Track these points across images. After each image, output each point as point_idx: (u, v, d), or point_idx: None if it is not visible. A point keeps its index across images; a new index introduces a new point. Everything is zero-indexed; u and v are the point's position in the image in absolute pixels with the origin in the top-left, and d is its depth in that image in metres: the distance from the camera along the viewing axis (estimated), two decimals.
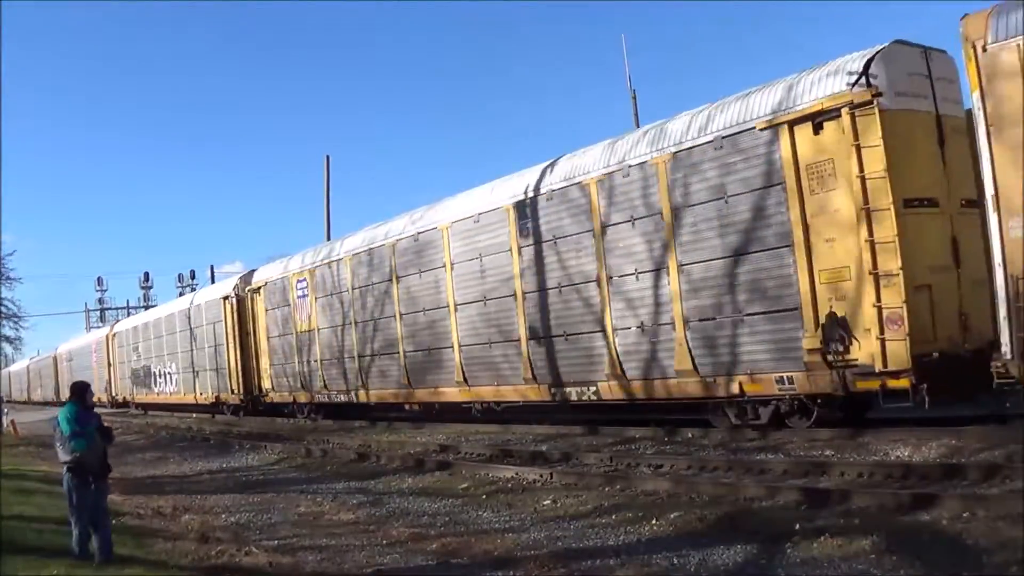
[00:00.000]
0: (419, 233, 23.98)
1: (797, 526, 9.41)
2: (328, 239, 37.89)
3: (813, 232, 14.83)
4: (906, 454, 13.13)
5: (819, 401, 15.38)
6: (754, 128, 15.52)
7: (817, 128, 14.71)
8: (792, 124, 14.95)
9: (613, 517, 11.12)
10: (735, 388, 16.21)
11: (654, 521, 10.61)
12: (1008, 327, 12.69)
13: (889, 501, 10.08)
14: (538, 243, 20.06)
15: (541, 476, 14.30)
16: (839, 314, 14.50)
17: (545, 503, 12.40)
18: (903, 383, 13.89)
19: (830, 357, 14.64)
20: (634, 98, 37.18)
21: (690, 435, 16.67)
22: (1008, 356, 12.68)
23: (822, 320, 14.67)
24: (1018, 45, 12.53)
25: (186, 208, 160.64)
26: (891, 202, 13.90)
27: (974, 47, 12.94)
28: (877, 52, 14.46)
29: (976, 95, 12.98)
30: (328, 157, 45.38)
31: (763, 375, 15.75)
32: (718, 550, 9.08)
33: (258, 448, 23.31)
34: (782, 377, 15.44)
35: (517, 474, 14.74)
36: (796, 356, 15.18)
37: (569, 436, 19.15)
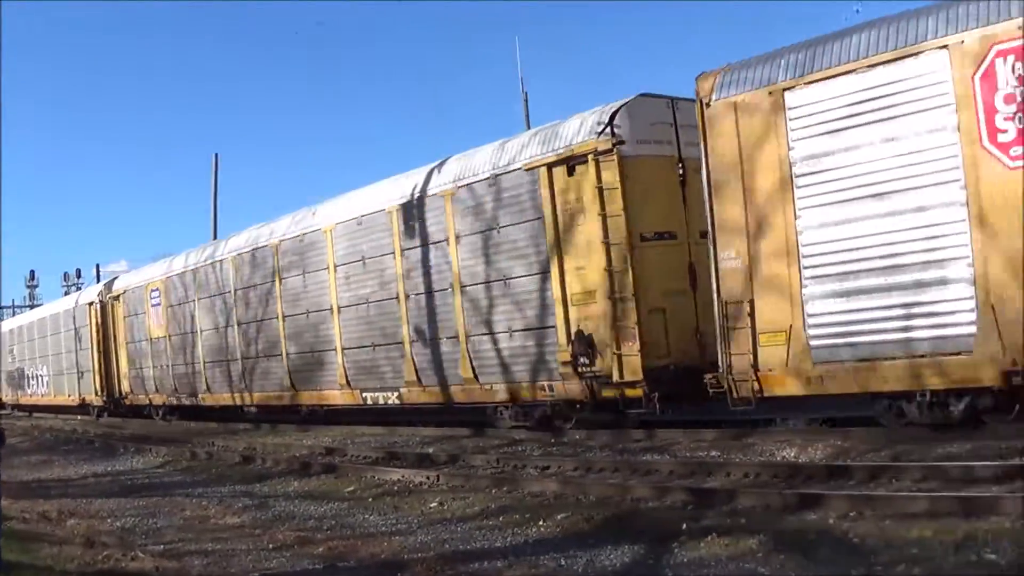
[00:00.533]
0: (256, 249, 24.66)
1: (684, 526, 9.03)
2: (215, 238, 37.85)
3: (567, 260, 15.98)
4: (792, 455, 12.82)
5: (578, 406, 16.51)
6: (521, 168, 16.65)
7: (570, 171, 15.83)
8: (551, 166, 16.06)
9: (500, 519, 10.65)
10: (508, 395, 17.32)
11: (541, 522, 10.17)
12: (720, 345, 14.06)
13: (776, 501, 9.72)
14: (348, 263, 21.01)
15: (428, 478, 13.74)
16: (586, 332, 15.68)
17: (432, 505, 11.92)
18: (638, 392, 15.11)
19: (580, 369, 15.79)
20: (526, 101, 36.65)
21: (577, 437, 16.36)
22: (721, 370, 14.05)
23: (572, 336, 15.86)
24: (734, 103, 13.86)
25: (74, 205, 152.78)
26: (626, 236, 15.11)
27: (702, 103, 14.28)
28: (623, 105, 15.64)
29: (702, 144, 14.30)
30: (216, 156, 44.98)
31: (530, 383, 16.89)
32: (606, 550, 8.69)
33: (143, 451, 22.29)
34: (544, 385, 16.58)
35: (404, 476, 14.12)
36: (554, 367, 16.34)
37: (456, 438, 18.54)
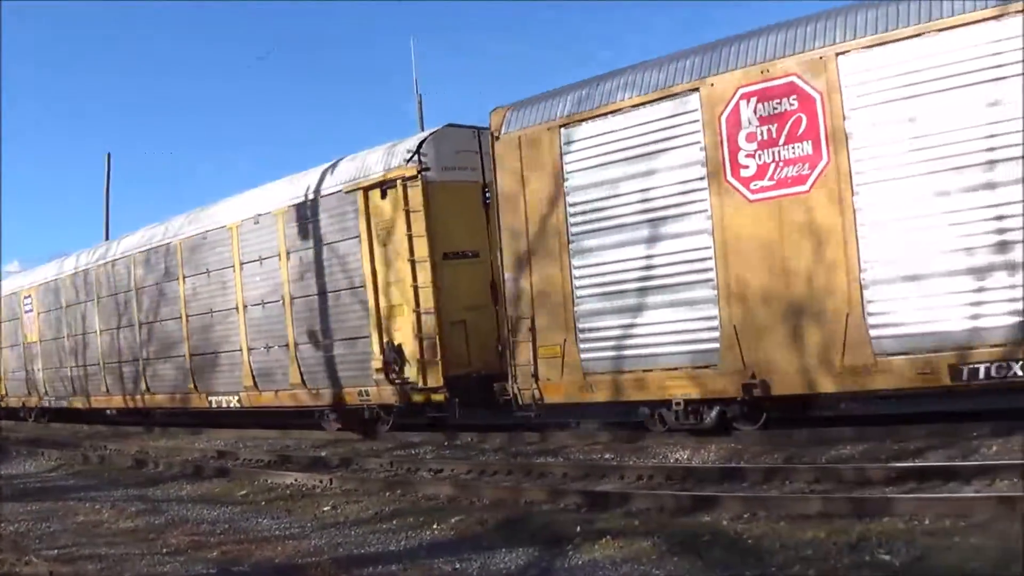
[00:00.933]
0: (115, 260, 24.21)
1: (578, 528, 8.58)
2: (107, 239, 36.68)
3: (380, 276, 16.04)
4: (686, 457, 12.22)
5: (394, 409, 16.57)
6: (341, 191, 16.64)
7: (383, 194, 15.88)
8: (367, 190, 16.11)
9: (394, 522, 10.04)
10: (332, 399, 17.28)
11: (435, 526, 9.61)
12: (507, 356, 14.25)
13: (669, 503, 9.26)
14: (195, 275, 20.82)
15: (321, 482, 12.89)
16: (396, 342, 15.78)
17: (326, 509, 11.22)
18: (441, 397, 15.30)
19: (392, 376, 15.87)
20: (420, 102, 33.85)
21: (470, 439, 15.63)
22: (508, 379, 14.25)
23: (385, 346, 15.91)
24: (519, 137, 14.07)
25: None
26: (429, 255, 15.25)
27: (492, 135, 14.46)
28: (430, 134, 15.86)
29: (493, 173, 14.49)
30: (109, 155, 43.22)
31: (350, 388, 16.89)
32: (500, 553, 8.21)
33: (35, 455, 20.75)
34: (362, 390, 16.60)
35: (297, 480, 13.23)
36: (371, 374, 16.37)
37: (348, 441, 17.32)
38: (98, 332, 25.04)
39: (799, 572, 6.66)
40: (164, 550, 9.84)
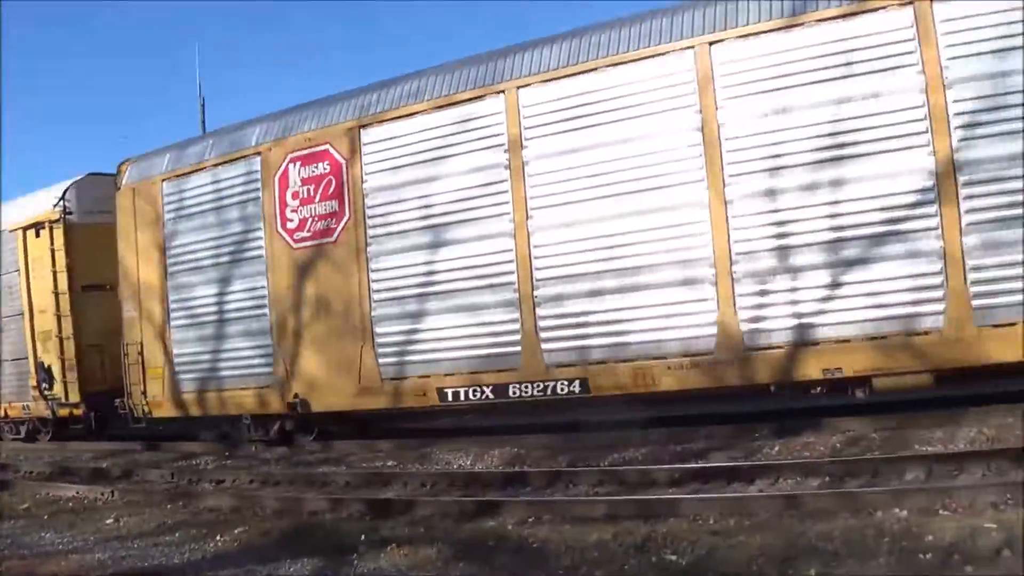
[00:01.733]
0: None
1: (363, 537, 7.94)
2: None
3: (35, 305, 16.55)
4: (469, 463, 11.47)
5: (48, 422, 16.99)
6: (7, 230, 17.06)
7: (37, 233, 16.39)
8: (25, 229, 16.60)
9: (177, 535, 9.04)
10: (2, 412, 17.67)
11: (219, 537, 8.69)
12: (124, 377, 14.96)
13: (453, 509, 8.58)
14: None
15: (103, 494, 11.57)
16: (46, 363, 16.31)
17: (108, 522, 10.09)
18: (80, 411, 15.91)
19: (44, 392, 16.39)
20: (202, 107, 33.17)
21: (253, 449, 14.27)
22: (125, 396, 14.98)
23: (37, 367, 16.42)
24: (133, 188, 14.85)
25: None
26: (68, 287, 15.91)
27: (116, 185, 15.21)
28: (72, 183, 16.40)
29: (116, 219, 15.23)
30: None
31: (16, 403, 17.33)
32: (284, 564, 7.46)
33: None
34: (25, 405, 17.04)
35: (79, 492, 11.84)
36: (30, 391, 16.82)
37: (129, 452, 15.62)
38: None
39: (586, 574, 6.27)
40: None
